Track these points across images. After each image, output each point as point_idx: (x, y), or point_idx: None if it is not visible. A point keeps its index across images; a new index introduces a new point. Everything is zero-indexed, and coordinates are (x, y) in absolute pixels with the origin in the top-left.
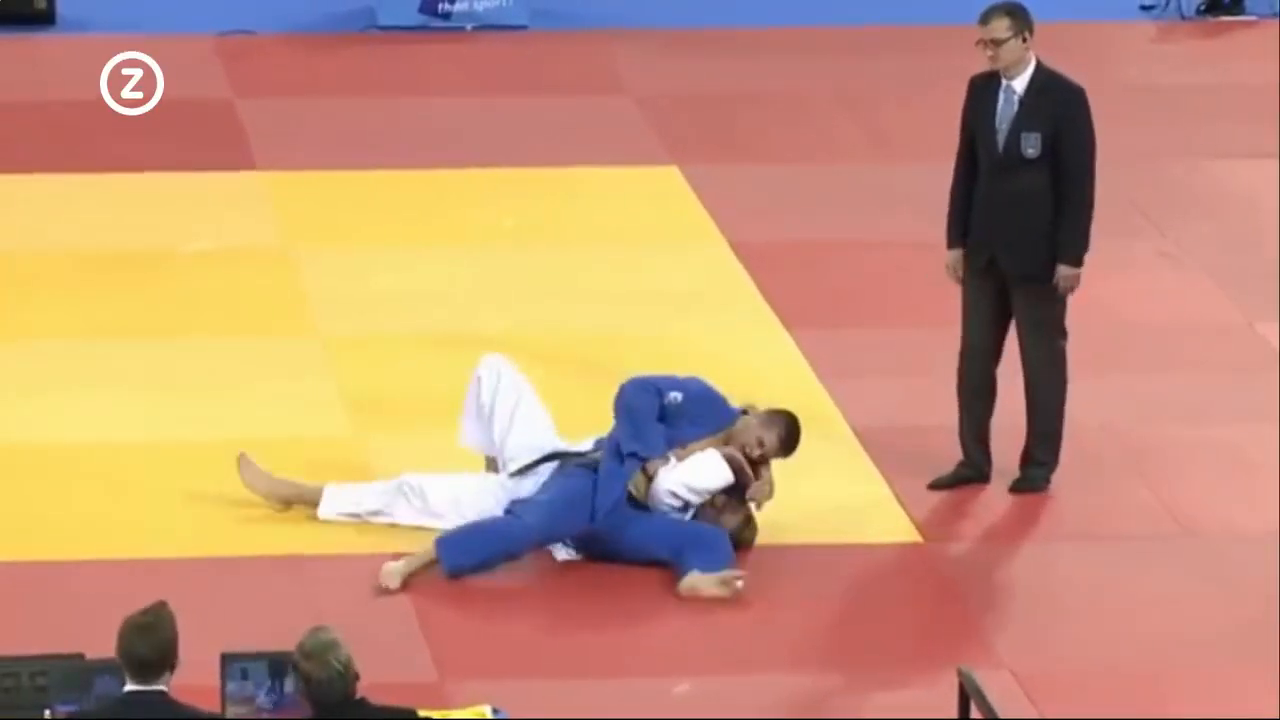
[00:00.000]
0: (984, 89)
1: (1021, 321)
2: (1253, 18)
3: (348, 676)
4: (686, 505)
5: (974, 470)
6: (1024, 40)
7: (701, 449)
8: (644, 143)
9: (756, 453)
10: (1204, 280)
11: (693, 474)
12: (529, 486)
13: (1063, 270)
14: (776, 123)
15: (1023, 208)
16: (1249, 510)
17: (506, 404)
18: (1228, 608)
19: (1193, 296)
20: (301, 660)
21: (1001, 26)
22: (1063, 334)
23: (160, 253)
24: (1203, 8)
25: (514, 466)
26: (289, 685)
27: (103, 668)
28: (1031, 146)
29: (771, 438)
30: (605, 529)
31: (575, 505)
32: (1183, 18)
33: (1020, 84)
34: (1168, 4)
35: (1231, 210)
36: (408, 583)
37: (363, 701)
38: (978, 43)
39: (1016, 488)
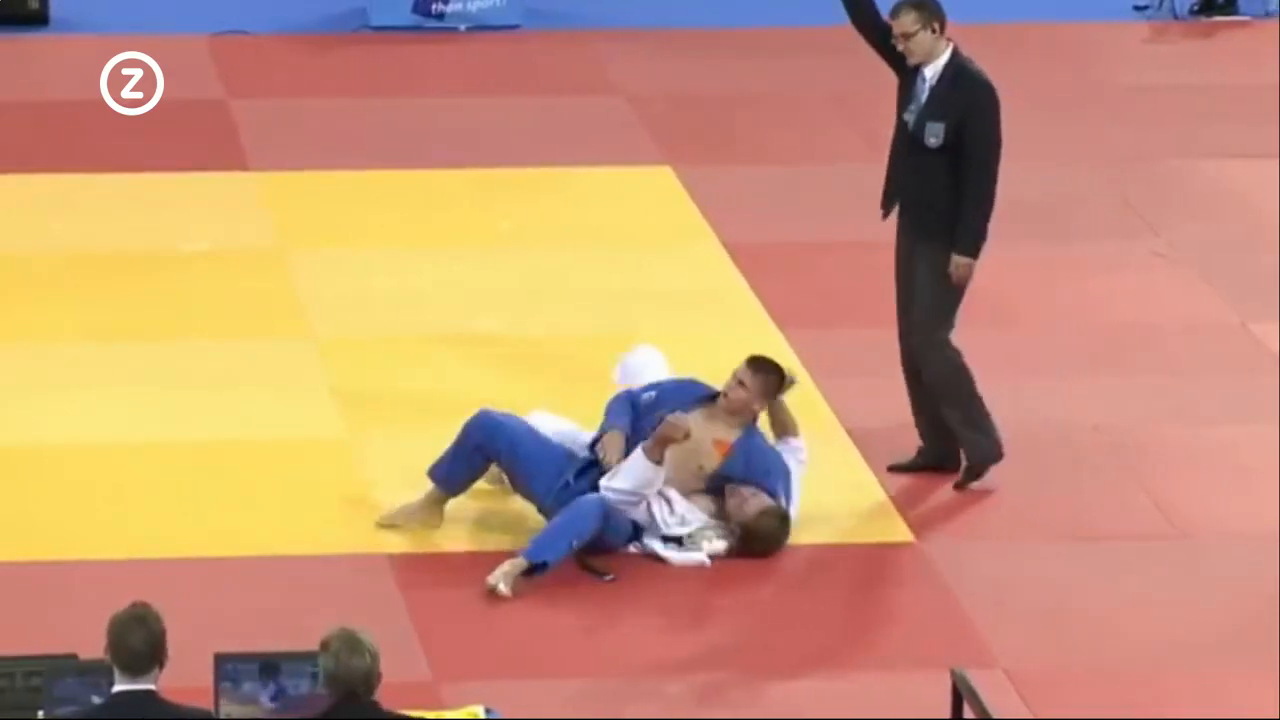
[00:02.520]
0: (912, 74)
1: (912, 297)
2: (1246, 18)
3: (376, 670)
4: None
5: (928, 456)
6: (933, 32)
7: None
8: (637, 143)
9: (739, 393)
10: (1198, 281)
11: (612, 474)
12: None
13: (956, 259)
14: (770, 123)
15: (925, 193)
16: (1243, 511)
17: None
18: (1221, 608)
19: (1186, 297)
20: (335, 647)
21: (909, 20)
22: (946, 319)
23: (153, 253)
24: (1196, 8)
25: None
26: (289, 685)
27: (96, 668)
28: (934, 136)
29: (741, 367)
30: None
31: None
32: (1175, 18)
33: (932, 74)
34: (1160, 4)
35: (1225, 211)
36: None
37: (375, 704)
38: (893, 37)
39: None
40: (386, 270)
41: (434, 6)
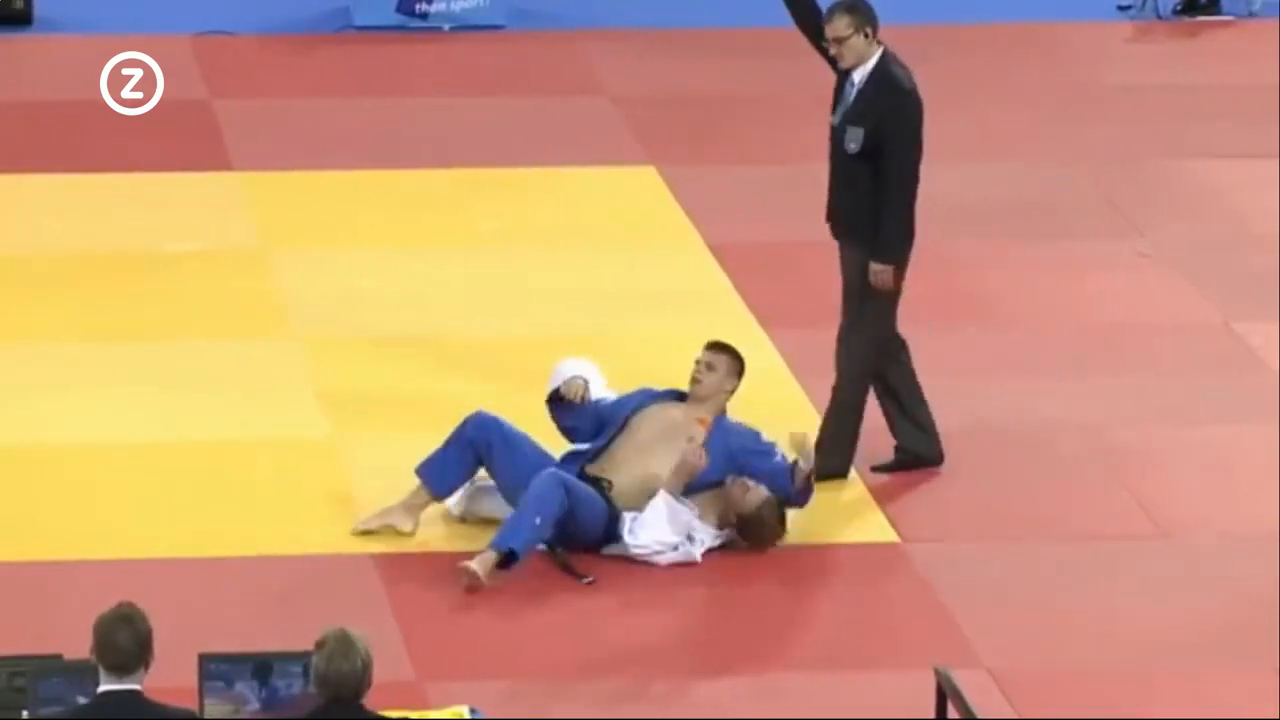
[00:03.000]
0: (843, 78)
1: (849, 302)
2: (1229, 18)
3: (366, 675)
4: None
5: (906, 454)
6: (866, 37)
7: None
8: (621, 143)
9: (710, 377)
10: (1182, 281)
11: (644, 527)
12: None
13: (873, 266)
14: (753, 123)
15: (850, 197)
16: (1227, 511)
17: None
18: (1206, 608)
19: (1171, 297)
20: (329, 648)
21: (843, 24)
22: (879, 328)
23: (137, 254)
24: (1179, 8)
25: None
26: (280, 686)
27: (81, 668)
28: (854, 141)
29: (703, 353)
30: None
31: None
32: (1159, 18)
33: (860, 78)
34: (1144, 4)
35: (1210, 211)
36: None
37: (360, 707)
38: (827, 40)
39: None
40: (371, 270)
41: (418, 6)
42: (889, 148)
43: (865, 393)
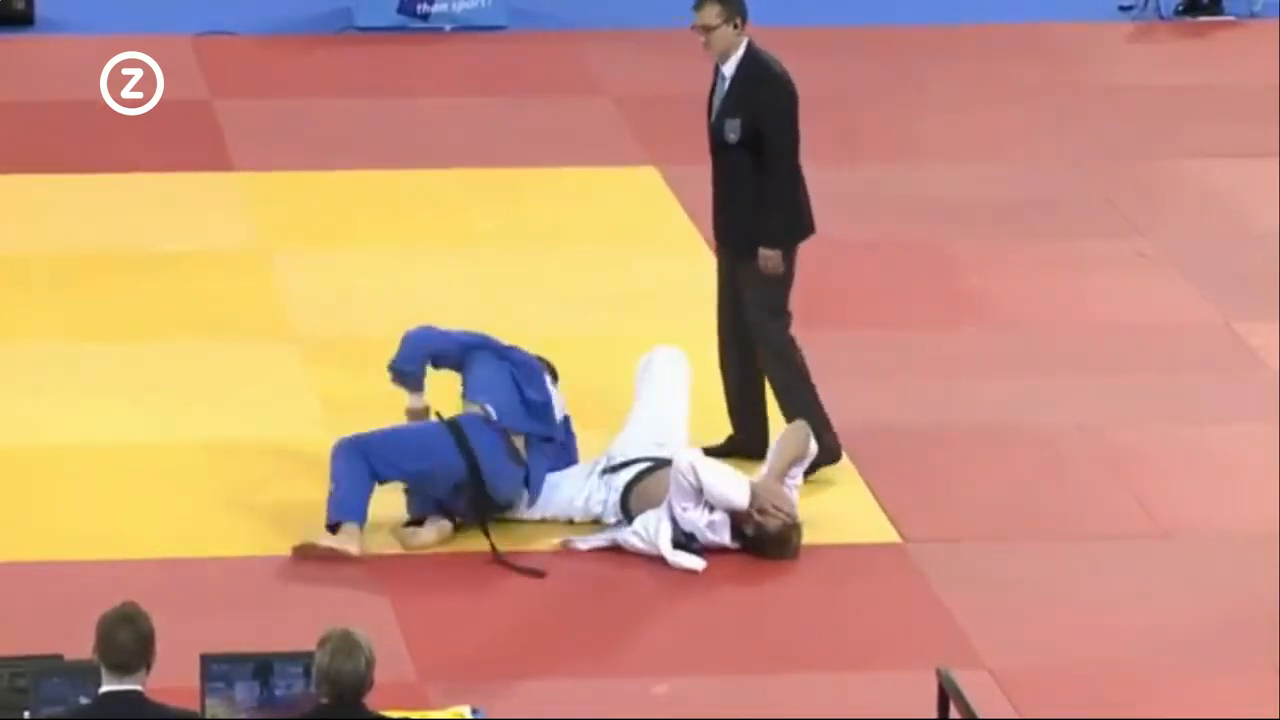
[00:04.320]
0: (716, 72)
1: (740, 300)
2: (1230, 18)
3: (368, 675)
4: (700, 492)
5: (735, 442)
6: (735, 27)
7: None
8: (622, 143)
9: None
10: (1182, 280)
11: (715, 472)
12: (618, 484)
13: (761, 251)
14: None
15: (730, 189)
16: (1227, 510)
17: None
18: (1206, 608)
19: (1170, 296)
20: (331, 646)
21: (712, 14)
22: (776, 315)
23: (137, 254)
24: (1181, 8)
25: (609, 463)
26: (281, 685)
27: (83, 669)
28: (733, 132)
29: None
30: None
31: (412, 448)
32: (1161, 18)
33: (730, 70)
34: (1146, 4)
35: (1209, 210)
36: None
37: (361, 707)
38: (691, 27)
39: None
40: (371, 271)
41: (419, 7)
42: (767, 134)
43: (795, 366)
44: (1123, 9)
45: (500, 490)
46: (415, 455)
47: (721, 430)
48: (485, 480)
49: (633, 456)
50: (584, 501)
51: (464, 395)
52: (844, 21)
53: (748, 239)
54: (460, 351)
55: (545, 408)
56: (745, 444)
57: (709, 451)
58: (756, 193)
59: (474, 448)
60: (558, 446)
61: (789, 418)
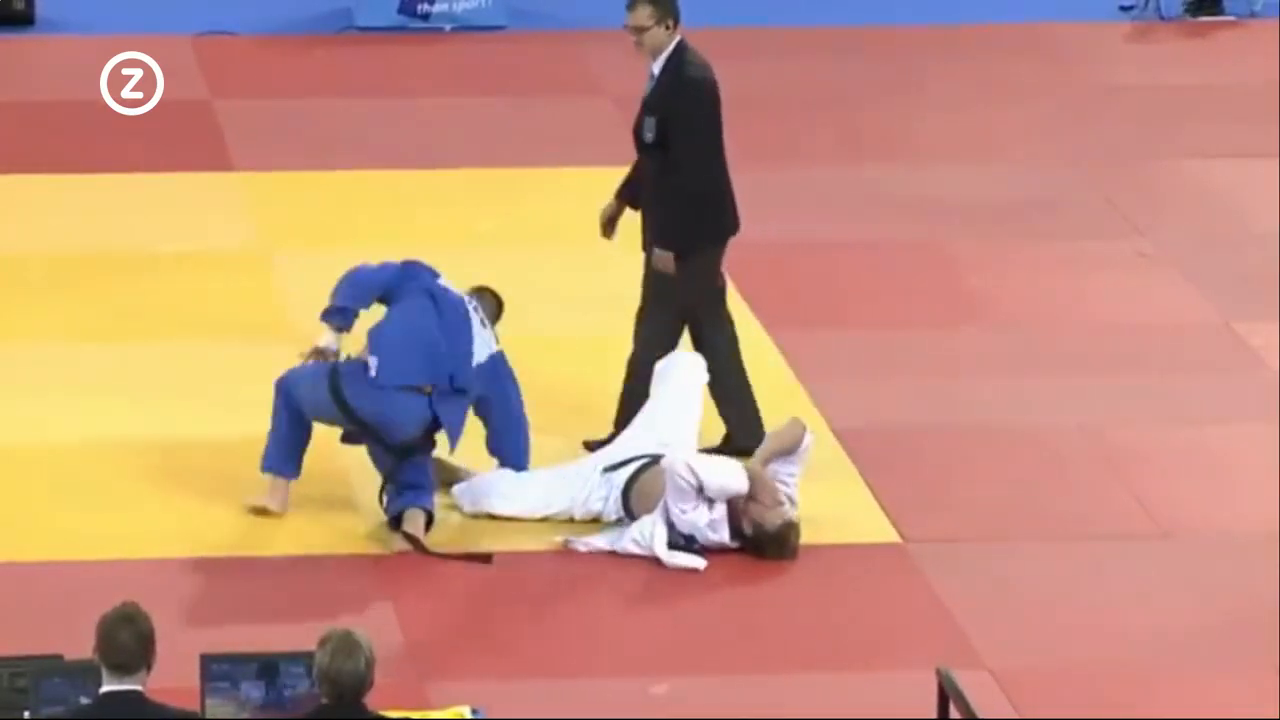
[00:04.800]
0: (648, 71)
1: (643, 293)
2: (1231, 18)
3: (368, 675)
4: (701, 489)
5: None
6: (667, 28)
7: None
8: (622, 143)
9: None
10: (1182, 280)
11: (711, 464)
12: (618, 480)
13: (655, 251)
14: (755, 123)
15: (648, 187)
16: (1227, 510)
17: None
18: (1206, 608)
19: (1171, 296)
20: (332, 646)
21: (644, 15)
22: (680, 314)
23: (137, 254)
24: (1187, 7)
25: (609, 461)
26: (286, 685)
27: (83, 669)
28: (649, 130)
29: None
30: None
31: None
32: (1161, 18)
33: (656, 69)
34: (1146, 4)
35: (1210, 210)
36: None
37: (361, 707)
38: (624, 28)
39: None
40: None
41: (419, 7)
42: (675, 135)
43: (731, 362)
44: (1123, 9)
45: (394, 435)
46: (309, 398)
47: (717, 431)
48: (370, 426)
49: (633, 454)
50: (585, 498)
51: (369, 335)
52: (844, 21)
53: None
54: (396, 284)
55: (458, 357)
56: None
57: (590, 446)
58: (661, 193)
59: (347, 397)
60: (474, 396)
61: (727, 418)
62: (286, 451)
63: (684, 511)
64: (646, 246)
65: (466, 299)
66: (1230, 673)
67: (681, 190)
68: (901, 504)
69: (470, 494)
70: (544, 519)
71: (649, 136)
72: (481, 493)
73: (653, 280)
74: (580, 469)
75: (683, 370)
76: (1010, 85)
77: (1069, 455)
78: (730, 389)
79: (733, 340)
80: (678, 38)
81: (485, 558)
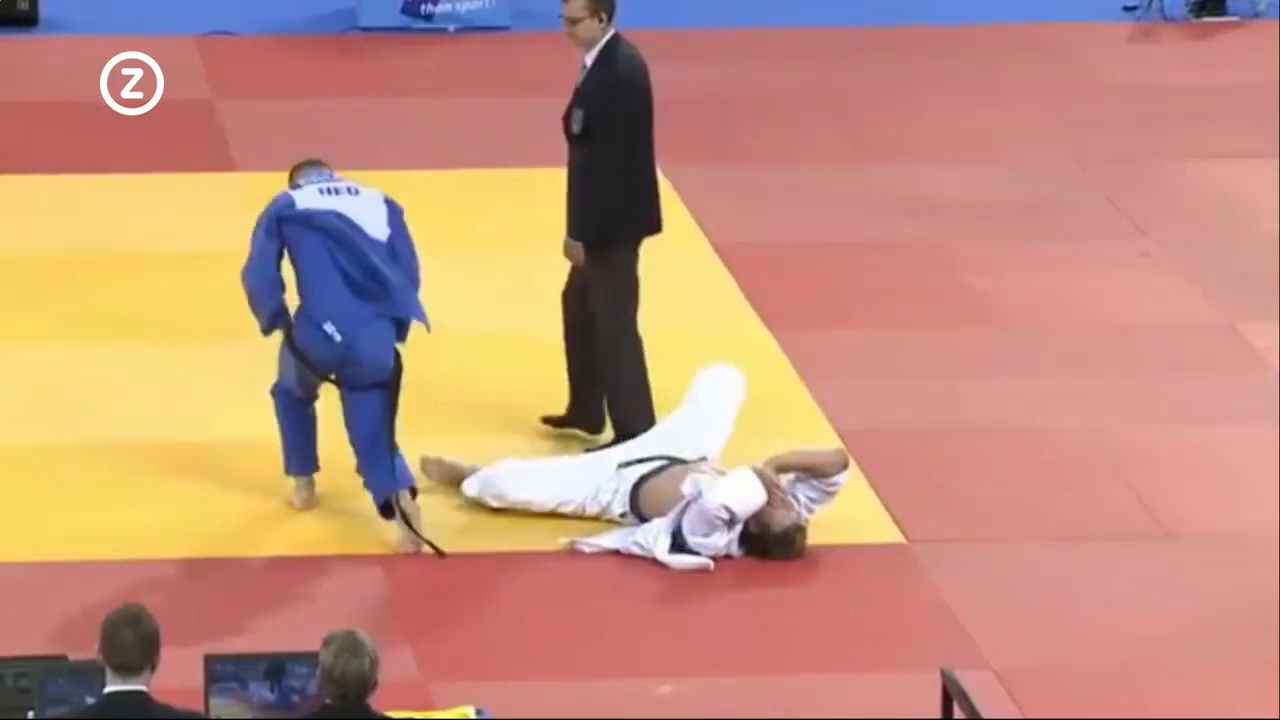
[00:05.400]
0: (581, 63)
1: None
2: (1234, 19)
3: (373, 675)
4: (733, 520)
5: (575, 415)
6: (600, 21)
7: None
8: None
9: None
10: (1185, 281)
11: (741, 491)
12: (630, 476)
13: (565, 240)
14: (756, 124)
15: (574, 179)
16: (1230, 511)
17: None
18: (1209, 608)
19: (1174, 297)
20: (336, 646)
21: (578, 6)
22: (616, 314)
23: (140, 254)
24: (1191, 6)
25: (626, 458)
26: (293, 686)
27: (87, 669)
28: (576, 123)
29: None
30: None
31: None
32: (1165, 18)
33: (589, 62)
34: (1150, 4)
35: (1212, 211)
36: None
37: (365, 707)
38: (561, 17)
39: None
40: None
41: (423, 7)
42: (597, 129)
43: (627, 363)
44: (1127, 9)
45: (369, 369)
46: (291, 378)
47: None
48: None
49: (651, 454)
50: (595, 491)
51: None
52: (844, 21)
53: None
54: (277, 243)
55: (367, 279)
56: (581, 418)
57: (548, 422)
58: (581, 186)
59: (314, 361)
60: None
61: (611, 412)
62: (295, 452)
63: (705, 537)
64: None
65: (326, 189)
66: (1233, 673)
67: (602, 184)
68: (905, 504)
69: (483, 483)
70: (554, 510)
71: (576, 128)
72: (496, 479)
73: (596, 277)
74: (599, 461)
75: (717, 386)
76: (1011, 85)
77: (1072, 456)
78: (597, 372)
79: (620, 335)
80: (611, 31)
81: (439, 553)
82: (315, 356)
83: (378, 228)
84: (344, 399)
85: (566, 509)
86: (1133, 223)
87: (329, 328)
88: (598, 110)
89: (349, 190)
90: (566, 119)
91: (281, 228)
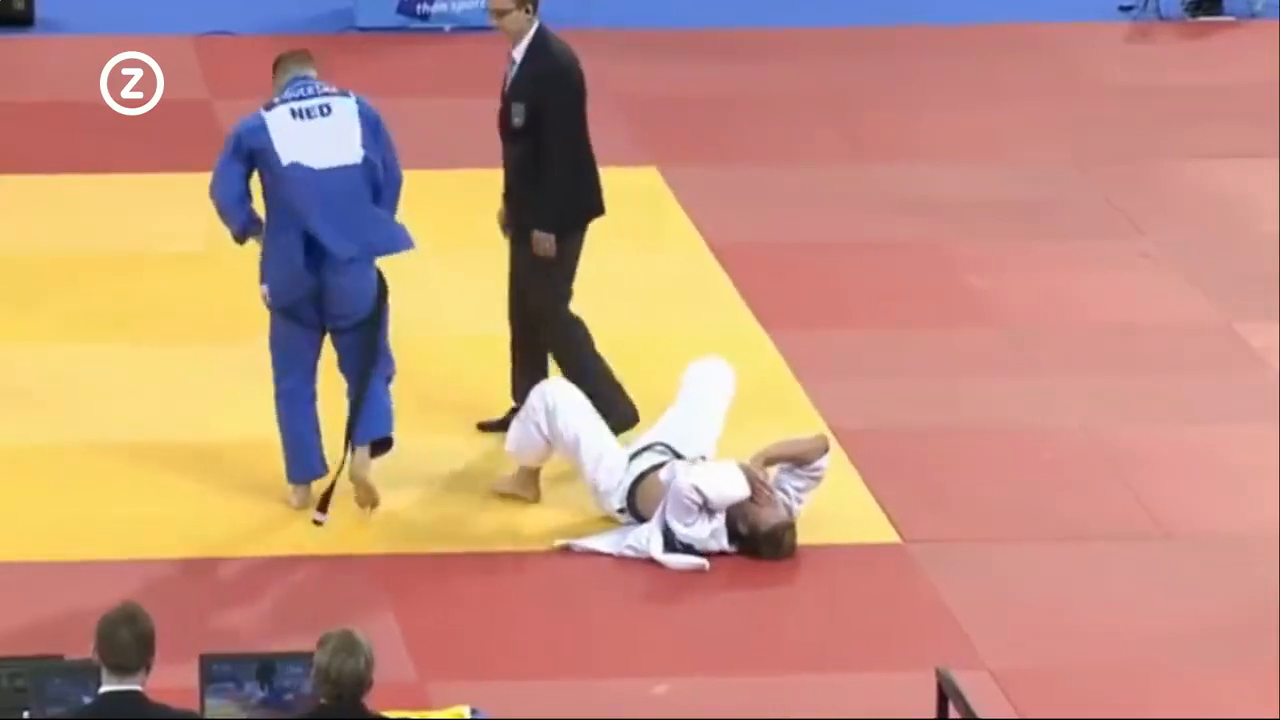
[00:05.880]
0: (509, 57)
1: (521, 278)
2: (1231, 18)
3: (368, 675)
4: (706, 505)
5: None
6: (527, 12)
7: None
8: (623, 143)
9: (497, 21)
10: (1184, 281)
11: (714, 477)
12: (634, 470)
13: (535, 234)
14: (755, 124)
15: (516, 172)
16: (1229, 511)
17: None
18: (1207, 609)
19: (1172, 297)
20: (332, 646)
21: None
22: (559, 300)
23: (137, 255)
24: (1188, 6)
25: (634, 448)
26: (286, 686)
27: (83, 669)
28: (518, 116)
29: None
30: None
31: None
32: (1161, 18)
33: (519, 55)
34: (1146, 4)
35: (1211, 211)
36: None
37: (361, 706)
38: (487, 10)
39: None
40: None
41: (419, 7)
42: (547, 119)
43: (577, 345)
44: (1123, 9)
45: (356, 301)
46: (278, 332)
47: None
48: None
49: (654, 440)
50: (606, 470)
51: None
52: (844, 21)
53: (528, 222)
54: (244, 165)
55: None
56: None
57: (486, 426)
58: (535, 178)
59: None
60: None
61: (595, 404)
62: (296, 458)
63: (687, 525)
64: (512, 233)
65: (298, 111)
66: (1233, 673)
67: (556, 174)
68: (901, 504)
69: (548, 399)
70: (578, 462)
71: (518, 122)
72: (565, 404)
73: (527, 263)
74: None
75: (706, 382)
76: (1010, 85)
77: (1070, 455)
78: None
79: (567, 322)
80: (536, 23)
81: (322, 508)
82: (286, 291)
83: (349, 150)
84: (331, 340)
85: (584, 464)
86: (1132, 223)
87: (297, 263)
88: (545, 102)
89: (321, 111)
90: (505, 114)
91: (250, 152)
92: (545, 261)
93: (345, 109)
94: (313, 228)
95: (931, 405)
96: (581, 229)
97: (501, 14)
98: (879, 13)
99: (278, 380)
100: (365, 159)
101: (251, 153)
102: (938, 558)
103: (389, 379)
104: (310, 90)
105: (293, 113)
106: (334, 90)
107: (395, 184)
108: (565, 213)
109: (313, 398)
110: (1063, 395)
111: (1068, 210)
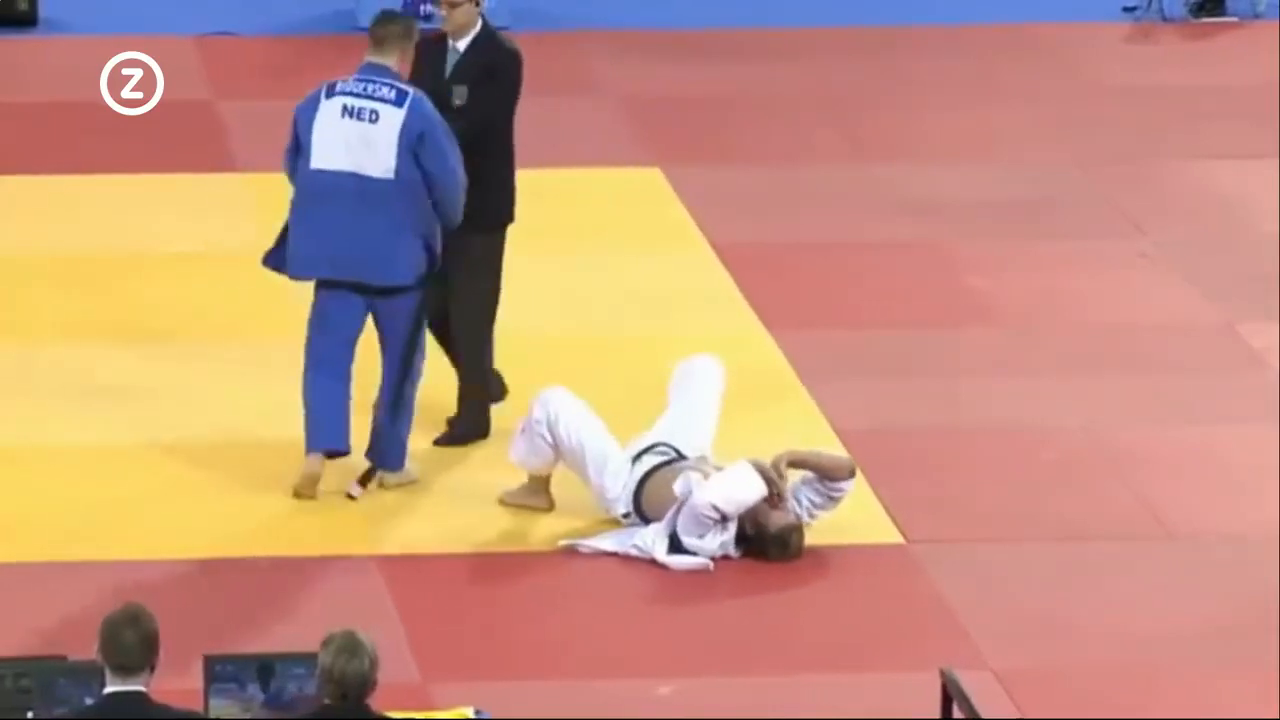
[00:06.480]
0: (434, 49)
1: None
2: (1233, 19)
3: (372, 676)
4: (724, 519)
5: (465, 425)
6: (476, 5)
7: None
8: (626, 144)
9: (449, 14)
10: (1184, 281)
11: (731, 488)
12: (637, 472)
13: (480, 237)
14: (757, 124)
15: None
16: (1230, 511)
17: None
18: (1210, 609)
19: (1173, 297)
20: (336, 646)
21: None
22: (483, 285)
23: (141, 255)
24: (1192, 7)
25: (632, 451)
26: (289, 686)
27: (87, 669)
28: (459, 98)
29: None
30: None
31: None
32: (1164, 19)
33: (463, 45)
34: (1149, 5)
35: (1212, 211)
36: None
37: (365, 707)
38: (436, 3)
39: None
40: None
41: (422, 8)
42: (483, 99)
43: (488, 353)
44: (1126, 10)
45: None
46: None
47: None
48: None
49: (657, 440)
50: (611, 475)
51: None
52: (844, 21)
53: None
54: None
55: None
56: (470, 426)
57: (440, 443)
58: (473, 172)
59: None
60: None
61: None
62: (315, 424)
63: (699, 539)
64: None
65: (349, 109)
66: (1233, 673)
67: (498, 166)
68: (904, 505)
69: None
70: (581, 467)
71: (458, 102)
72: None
73: (464, 261)
74: (620, 451)
75: (697, 379)
76: (1011, 85)
77: (1072, 456)
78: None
79: (488, 333)
80: (481, 19)
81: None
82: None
83: (378, 164)
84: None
85: (588, 471)
86: (1132, 223)
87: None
88: (487, 82)
89: (370, 116)
90: (444, 96)
91: (295, 122)
92: (486, 259)
93: (390, 123)
94: (291, 219)
95: (933, 405)
96: (508, 225)
97: (455, 6)
98: (879, 13)
99: (307, 345)
100: (398, 175)
101: (295, 123)
102: (940, 558)
103: (415, 384)
104: (371, 89)
105: (344, 109)
106: (391, 96)
107: (446, 193)
108: (504, 206)
109: (342, 373)
110: (1063, 395)
111: (1068, 210)
